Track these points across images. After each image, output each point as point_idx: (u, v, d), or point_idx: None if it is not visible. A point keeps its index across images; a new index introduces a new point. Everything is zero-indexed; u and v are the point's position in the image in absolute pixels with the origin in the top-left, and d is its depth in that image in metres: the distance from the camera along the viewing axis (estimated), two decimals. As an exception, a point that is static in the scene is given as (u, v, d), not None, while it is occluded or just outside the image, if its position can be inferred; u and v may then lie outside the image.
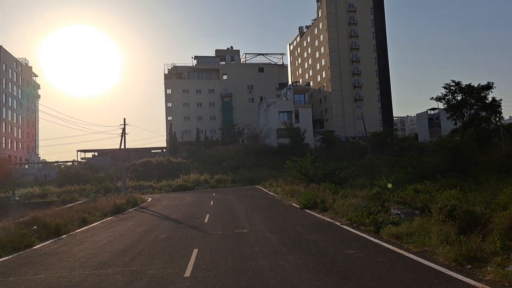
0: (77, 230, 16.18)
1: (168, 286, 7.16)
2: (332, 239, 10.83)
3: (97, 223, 18.67)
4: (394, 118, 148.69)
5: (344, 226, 12.90)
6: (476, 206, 12.34)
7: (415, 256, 8.29)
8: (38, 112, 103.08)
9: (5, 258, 10.87)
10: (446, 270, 7.17)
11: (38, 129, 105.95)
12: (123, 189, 38.09)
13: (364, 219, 12.74)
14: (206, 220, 16.87)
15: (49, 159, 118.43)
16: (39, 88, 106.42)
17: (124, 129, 39.11)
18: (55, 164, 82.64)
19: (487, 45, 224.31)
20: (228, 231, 13.47)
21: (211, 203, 25.15)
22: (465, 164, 33.37)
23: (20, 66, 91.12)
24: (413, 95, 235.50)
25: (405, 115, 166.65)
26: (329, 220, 14.61)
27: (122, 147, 39.35)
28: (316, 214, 16.56)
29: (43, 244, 13.00)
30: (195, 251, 10.16)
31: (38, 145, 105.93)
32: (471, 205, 12.54)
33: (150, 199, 34.05)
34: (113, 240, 13.02)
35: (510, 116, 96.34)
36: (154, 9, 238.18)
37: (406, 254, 8.56)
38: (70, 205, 24.20)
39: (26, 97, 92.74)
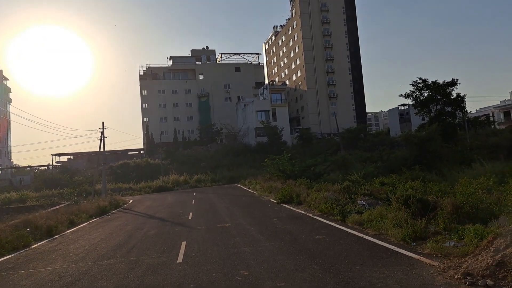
0: (68, 231, 17.16)
1: (164, 270, 8.45)
2: (304, 228, 12.30)
3: (85, 224, 19.64)
4: (368, 114, 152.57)
5: (316, 217, 14.40)
6: (430, 195, 14.10)
7: (371, 238, 9.84)
8: (10, 116, 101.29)
9: (8, 256, 11.90)
10: (395, 247, 8.72)
11: (10, 133, 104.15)
12: (103, 191, 38.74)
13: (333, 210, 14.27)
14: (190, 218, 18.09)
15: (22, 163, 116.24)
16: (10, 92, 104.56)
17: (103, 133, 39.73)
18: (29, 168, 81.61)
19: (458, 42, 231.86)
20: (212, 226, 14.77)
21: (193, 202, 26.31)
22: (430, 158, 35.57)
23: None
24: (387, 91, 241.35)
25: (378, 110, 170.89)
26: (303, 212, 16.09)
27: (102, 150, 39.93)
28: (291, 208, 18.03)
29: (39, 243, 14.01)
30: (184, 243, 11.44)
31: (10, 150, 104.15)
32: (426, 194, 14.30)
33: (131, 200, 34.81)
34: (105, 238, 14.14)
35: (476, 110, 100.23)
36: (125, 9, 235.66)
37: (365, 236, 10.10)
38: (55, 208, 24.96)
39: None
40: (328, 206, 15.00)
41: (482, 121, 73.73)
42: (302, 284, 6.66)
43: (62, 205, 28.78)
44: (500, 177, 19.33)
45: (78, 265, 9.68)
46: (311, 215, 15.09)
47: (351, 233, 10.79)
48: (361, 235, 10.36)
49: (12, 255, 12.06)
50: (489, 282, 5.88)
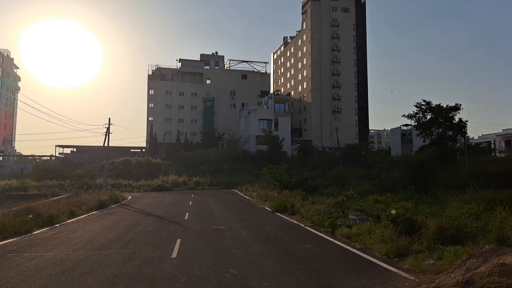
0: (68, 221, 17.72)
1: (159, 263, 9.01)
2: (294, 237, 12.83)
3: (85, 215, 20.20)
4: (372, 131, 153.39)
5: (307, 227, 14.92)
6: (419, 216, 14.63)
7: (357, 251, 10.37)
8: (17, 104, 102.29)
9: (10, 240, 12.47)
10: (377, 261, 9.25)
11: (16, 121, 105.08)
12: (104, 186, 39.32)
13: (325, 222, 14.79)
14: (186, 218, 18.63)
15: (25, 152, 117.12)
16: (19, 80, 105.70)
17: (108, 129, 40.37)
18: (31, 158, 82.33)
19: (462, 68, 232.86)
20: (206, 227, 15.31)
21: (190, 203, 26.84)
22: (426, 180, 36.04)
23: (1, 57, 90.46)
24: (391, 110, 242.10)
25: (382, 128, 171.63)
26: (295, 222, 16.62)
27: (106, 145, 40.56)
28: (284, 217, 18.55)
29: (40, 230, 14.57)
30: (179, 240, 11.99)
31: (14, 138, 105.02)
32: (416, 215, 14.84)
33: (130, 197, 35.31)
34: (104, 230, 14.69)
35: (479, 136, 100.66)
36: (140, 8, 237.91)
37: (351, 249, 10.63)
38: (56, 198, 25.54)
39: (5, 88, 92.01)
40: (320, 218, 15.52)
41: (483, 147, 74.15)
42: (286, 286, 7.20)
43: (63, 196, 29.36)
44: (492, 204, 19.84)
45: (78, 253, 10.23)
46: (302, 225, 15.61)
47: (338, 244, 11.32)
48: (348, 247, 10.89)
49: (15, 239, 12.63)
50: (456, 297, 6.42)
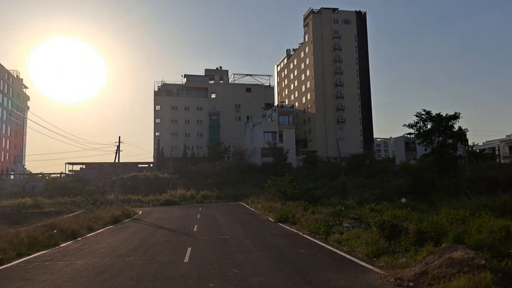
0: (88, 235, 19.51)
1: (175, 266, 10.75)
2: (291, 243, 14.49)
3: (102, 230, 21.99)
4: (378, 140, 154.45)
5: (304, 235, 16.56)
6: (407, 222, 16.19)
7: (343, 253, 12.02)
8: (26, 123, 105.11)
9: (43, 252, 14.26)
10: (358, 260, 10.90)
11: (25, 140, 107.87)
12: (115, 202, 41.13)
13: (320, 229, 16.40)
14: (195, 229, 20.33)
15: (34, 170, 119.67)
16: (29, 100, 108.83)
17: (118, 146, 42.39)
18: (40, 175, 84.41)
19: (465, 75, 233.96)
20: (213, 237, 17.00)
21: (198, 216, 28.53)
22: (425, 188, 37.44)
23: (11, 78, 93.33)
24: (396, 118, 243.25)
25: (388, 136, 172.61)
26: (295, 231, 18.26)
27: (116, 162, 42.52)
28: (286, 227, 20.18)
29: (66, 243, 16.38)
30: (189, 249, 13.70)
31: (24, 156, 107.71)
32: (405, 221, 16.39)
33: (140, 212, 37.03)
34: (122, 242, 16.45)
35: (483, 142, 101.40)
36: (144, 25, 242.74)
37: (338, 251, 12.28)
38: (73, 214, 27.39)
39: (15, 108, 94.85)
40: (316, 226, 17.12)
41: (487, 154, 75.15)
42: (277, 280, 8.90)
43: (78, 212, 31.21)
44: (485, 210, 21.28)
45: (105, 260, 12.00)
46: (301, 233, 17.24)
47: (328, 248, 12.97)
48: (336, 250, 12.53)
49: (46, 251, 14.43)
50: (411, 284, 8.08)
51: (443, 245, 9.51)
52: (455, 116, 56.35)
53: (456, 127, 56.34)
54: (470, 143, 78.49)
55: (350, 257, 11.40)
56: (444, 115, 56.36)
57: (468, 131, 56.75)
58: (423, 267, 8.62)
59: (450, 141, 56.59)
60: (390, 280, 8.48)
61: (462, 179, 46.22)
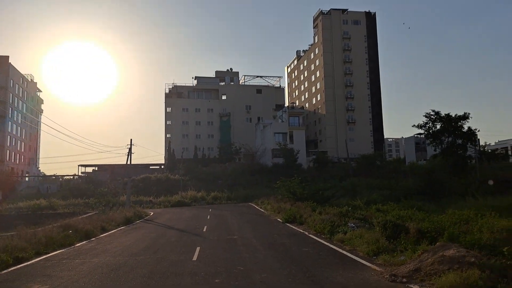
0: (101, 235, 20.26)
1: (183, 264, 11.36)
2: (297, 242, 15.01)
3: (115, 230, 22.76)
4: (389, 140, 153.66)
5: (310, 235, 17.06)
6: (410, 221, 16.58)
7: (345, 251, 12.51)
8: (40, 126, 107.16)
9: (60, 251, 15.01)
10: (359, 258, 11.39)
11: (39, 142, 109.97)
12: (127, 203, 41.98)
13: (325, 229, 16.89)
14: (204, 230, 20.96)
15: (48, 172, 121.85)
16: (42, 103, 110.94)
17: (130, 149, 43.27)
18: (54, 177, 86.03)
19: (477, 74, 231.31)
20: (222, 237, 17.60)
21: (208, 217, 29.18)
22: (435, 188, 37.57)
23: (26, 82, 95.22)
24: (408, 118, 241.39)
25: (399, 136, 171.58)
26: (301, 231, 18.76)
27: (128, 163, 43.39)
28: (293, 227, 20.70)
29: (81, 243, 17.14)
30: (198, 248, 14.32)
31: (39, 159, 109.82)
32: (407, 221, 16.78)
33: (152, 213, 37.83)
34: (134, 242, 17.15)
35: (495, 142, 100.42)
36: (155, 28, 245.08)
37: (340, 250, 12.78)
38: (87, 215, 28.26)
39: (30, 111, 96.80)
40: (322, 226, 17.60)
41: (499, 154, 74.54)
42: (280, 276, 9.45)
43: (90, 213, 32.10)
44: (491, 211, 21.52)
45: (118, 258, 12.67)
46: (307, 233, 17.74)
47: (331, 247, 13.47)
48: (338, 249, 13.03)
49: (63, 250, 15.19)
50: (404, 280, 8.56)
51: (437, 243, 9.94)
52: (465, 117, 56.18)
53: (465, 127, 56.30)
54: (482, 143, 77.97)
55: (351, 255, 11.89)
56: (453, 115, 56.34)
57: (479, 131, 56.54)
58: (417, 264, 9.09)
59: (460, 141, 56.48)
60: (386, 276, 8.96)
61: (472, 180, 46.18)
